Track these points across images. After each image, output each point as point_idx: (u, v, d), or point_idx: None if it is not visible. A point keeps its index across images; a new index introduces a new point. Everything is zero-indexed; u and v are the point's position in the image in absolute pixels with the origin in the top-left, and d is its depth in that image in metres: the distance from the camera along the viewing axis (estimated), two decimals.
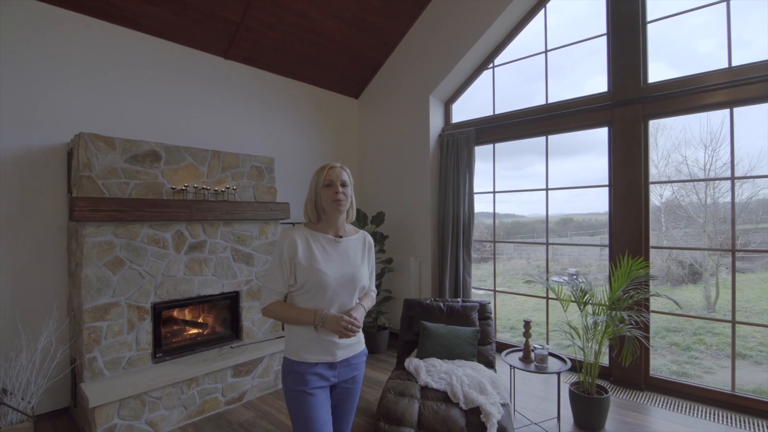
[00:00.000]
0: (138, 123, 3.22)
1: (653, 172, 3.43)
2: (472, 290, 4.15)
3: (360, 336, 1.56)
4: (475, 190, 4.10)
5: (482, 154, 4.16)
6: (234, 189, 3.26)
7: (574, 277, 9.31)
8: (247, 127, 3.98)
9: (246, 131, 3.97)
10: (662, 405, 2.87)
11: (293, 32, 3.85)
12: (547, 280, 3.33)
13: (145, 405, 2.52)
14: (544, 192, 3.81)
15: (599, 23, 3.42)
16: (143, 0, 3.05)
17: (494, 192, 4.18)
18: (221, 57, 3.77)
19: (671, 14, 3.13)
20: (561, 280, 6.02)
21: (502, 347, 3.74)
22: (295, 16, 3.69)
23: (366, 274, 1.56)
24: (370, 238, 1.65)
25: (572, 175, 5.99)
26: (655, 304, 3.27)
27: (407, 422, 1.99)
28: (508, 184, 3.44)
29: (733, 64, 2.86)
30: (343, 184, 1.49)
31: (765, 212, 5.60)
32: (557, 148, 3.85)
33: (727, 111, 2.88)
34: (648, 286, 2.97)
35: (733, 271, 3.03)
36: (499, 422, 1.94)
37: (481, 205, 4.21)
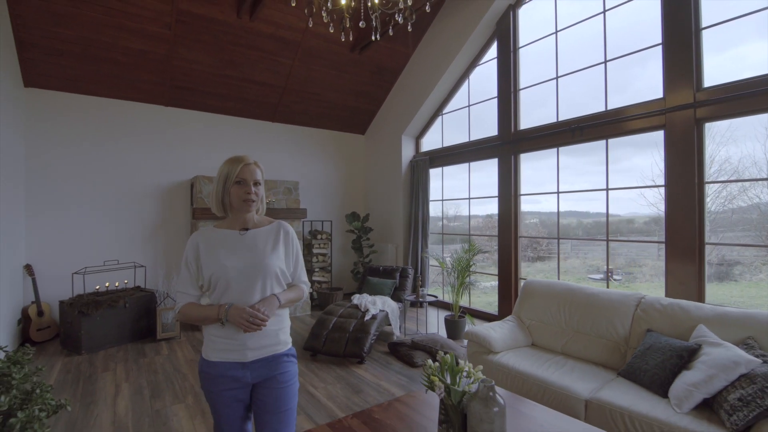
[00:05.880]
0: None
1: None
2: (430, 266, 6.11)
3: (281, 336, 1.48)
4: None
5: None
6: (273, 201, 5.71)
7: (609, 274, 10.41)
8: (284, 161, 6.45)
9: (284, 164, 6.44)
10: None
11: (312, 103, 6.22)
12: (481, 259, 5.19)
13: None
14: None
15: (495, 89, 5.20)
16: (225, 99, 5.65)
17: (442, 200, 6.11)
18: (270, 121, 6.29)
19: (531, 84, 4.84)
20: (593, 277, 7.74)
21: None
22: (311, 95, 6.06)
23: (279, 262, 1.47)
24: (287, 227, 1.57)
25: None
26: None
27: (334, 313, 4.17)
28: (591, 180, 4.35)
29: (560, 119, 4.51)
30: (256, 183, 1.45)
31: None
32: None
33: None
34: (517, 263, 4.77)
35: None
36: (373, 315, 4.03)
37: (567, 203, 4.63)
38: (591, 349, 2.71)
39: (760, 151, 3.93)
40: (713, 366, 1.96)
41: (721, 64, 3.42)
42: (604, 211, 4.40)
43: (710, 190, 7.26)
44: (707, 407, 1.97)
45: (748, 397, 1.79)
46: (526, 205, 5.14)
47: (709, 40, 3.39)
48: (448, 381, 1.62)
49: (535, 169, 4.91)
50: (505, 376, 2.60)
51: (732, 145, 4.09)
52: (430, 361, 1.68)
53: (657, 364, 2.22)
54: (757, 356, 1.96)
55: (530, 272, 8.09)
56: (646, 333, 2.49)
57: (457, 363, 1.65)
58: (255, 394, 1.45)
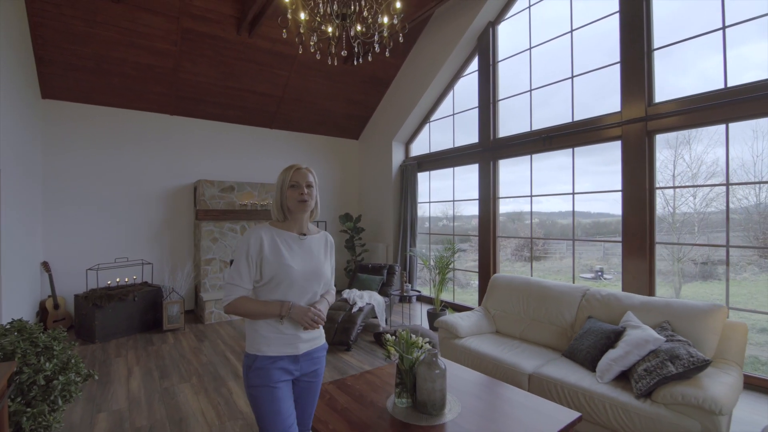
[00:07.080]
0: (225, 170, 6.26)
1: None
2: (418, 263, 6.51)
3: (321, 330, 1.64)
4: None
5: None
6: (270, 203, 6.12)
7: (599, 273, 10.84)
8: (282, 166, 6.82)
9: (282, 168, 6.82)
10: None
11: (308, 111, 6.63)
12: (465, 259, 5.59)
13: None
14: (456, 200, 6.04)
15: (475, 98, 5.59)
16: (227, 108, 6.06)
17: (429, 202, 6.51)
18: (268, 128, 6.70)
19: (508, 96, 5.23)
20: (585, 276, 7.98)
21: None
22: (307, 104, 6.47)
23: (328, 269, 1.64)
24: (331, 238, 1.73)
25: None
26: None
27: None
28: (598, 180, 4.43)
29: (534, 128, 4.89)
30: (309, 185, 1.57)
31: None
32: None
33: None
34: (495, 261, 5.16)
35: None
36: (360, 307, 4.43)
37: (567, 204, 4.62)
38: (543, 334, 3.11)
39: (747, 154, 4.23)
40: (630, 344, 2.36)
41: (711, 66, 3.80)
42: (604, 211, 4.68)
43: (699, 191, 7.63)
44: (624, 378, 2.37)
45: (651, 368, 2.19)
46: (527, 206, 5.52)
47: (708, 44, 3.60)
48: (405, 352, 2.02)
49: (546, 169, 5.11)
50: (467, 357, 3.00)
51: (720, 147, 4.42)
52: (388, 335, 2.09)
53: (590, 344, 2.62)
54: (666, 336, 2.36)
55: (525, 271, 8.47)
56: (587, 319, 2.89)
57: (411, 338, 2.06)
58: (295, 386, 1.58)
